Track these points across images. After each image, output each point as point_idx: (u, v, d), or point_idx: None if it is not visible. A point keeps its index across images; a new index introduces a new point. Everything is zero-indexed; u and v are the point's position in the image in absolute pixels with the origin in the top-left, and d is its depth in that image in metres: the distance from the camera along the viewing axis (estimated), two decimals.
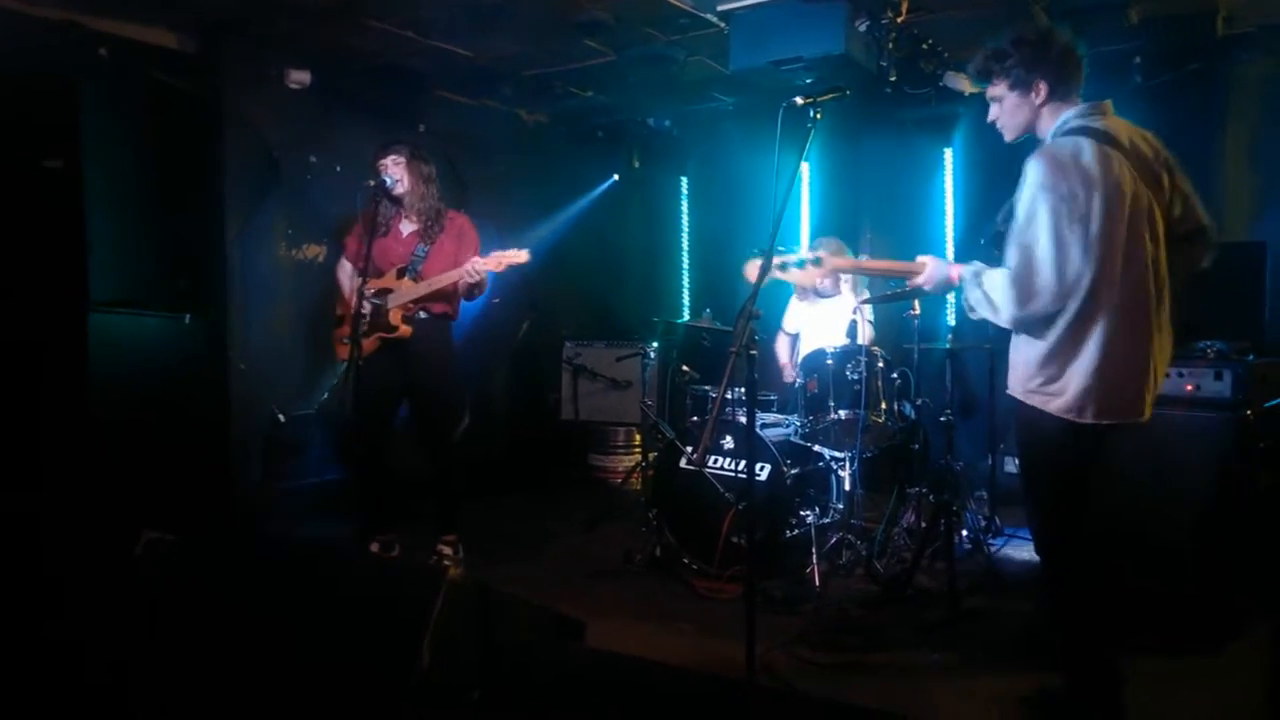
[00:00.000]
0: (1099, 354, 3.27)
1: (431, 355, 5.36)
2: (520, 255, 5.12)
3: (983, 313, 3.44)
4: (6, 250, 5.08)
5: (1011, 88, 3.51)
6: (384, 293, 5.23)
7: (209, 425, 5.97)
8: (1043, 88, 3.45)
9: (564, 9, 5.72)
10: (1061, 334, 3.32)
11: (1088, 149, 3.28)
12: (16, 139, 5.21)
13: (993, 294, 3.37)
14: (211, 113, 6.07)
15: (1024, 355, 3.45)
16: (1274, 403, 4.51)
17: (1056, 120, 3.48)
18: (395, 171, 5.22)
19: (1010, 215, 3.45)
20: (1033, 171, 3.32)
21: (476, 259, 5.10)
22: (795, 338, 6.39)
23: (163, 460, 5.44)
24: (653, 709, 2.47)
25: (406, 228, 5.37)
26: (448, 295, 5.32)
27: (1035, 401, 3.39)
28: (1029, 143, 3.65)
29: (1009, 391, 3.53)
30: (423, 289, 5.18)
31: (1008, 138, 3.68)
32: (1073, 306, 3.27)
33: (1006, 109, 3.57)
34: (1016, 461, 3.73)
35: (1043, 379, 3.38)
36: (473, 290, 5.27)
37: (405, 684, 2.47)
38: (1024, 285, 3.28)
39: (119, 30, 5.71)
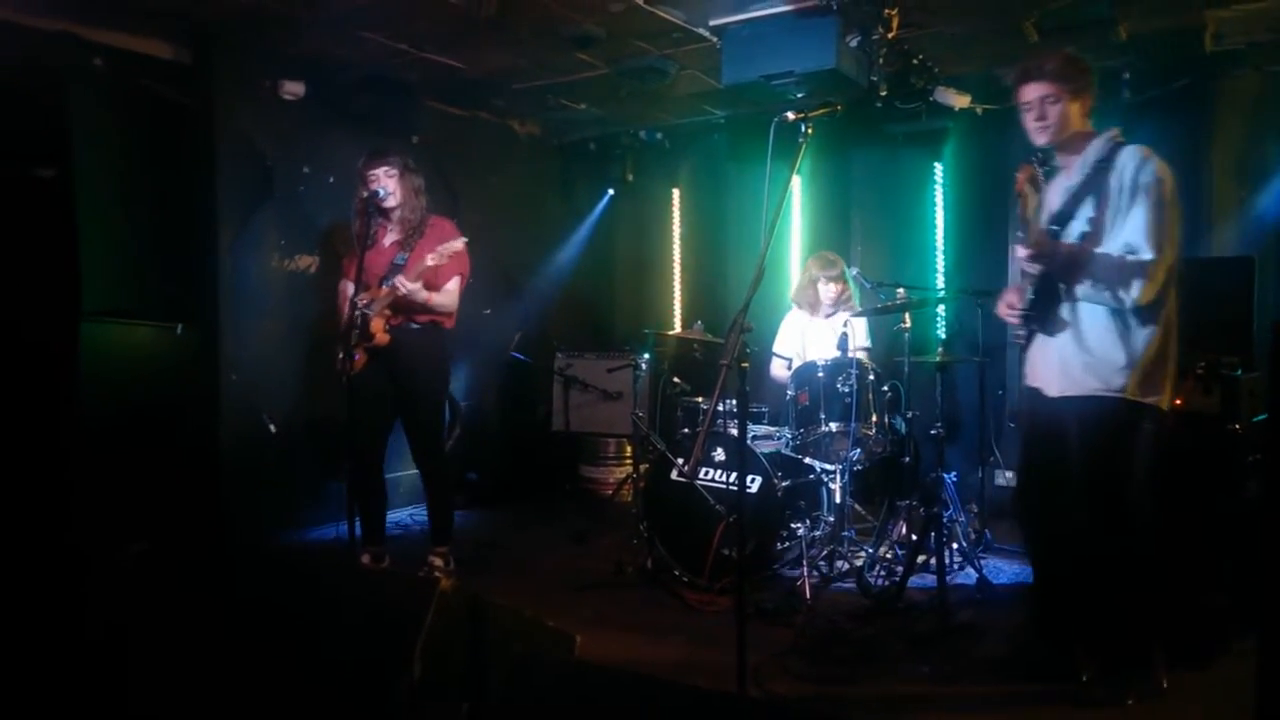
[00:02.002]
0: (1175, 345, 3.67)
1: (419, 366, 5.36)
2: (456, 243, 5.16)
3: (1099, 295, 3.63)
4: None
5: (1074, 95, 3.75)
6: (371, 304, 5.24)
7: (200, 435, 5.96)
8: (1087, 100, 3.78)
9: (556, 22, 5.73)
10: (1162, 327, 3.66)
11: None
12: (9, 148, 5.21)
13: (1123, 273, 3.57)
14: (204, 123, 6.07)
15: (1125, 352, 3.67)
16: (1262, 417, 4.53)
17: (1093, 133, 3.80)
18: (388, 184, 5.23)
19: (1094, 203, 3.69)
20: (1153, 165, 3.62)
21: (429, 259, 5.11)
22: (792, 361, 6.35)
23: (153, 470, 5.43)
24: None
25: (389, 238, 5.39)
26: (424, 304, 5.31)
27: (1138, 395, 3.64)
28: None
29: (1102, 392, 3.68)
30: (386, 295, 5.19)
31: (1045, 139, 3.84)
32: (1167, 299, 3.64)
33: (1060, 112, 3.76)
34: (1100, 461, 3.76)
35: (1153, 370, 3.66)
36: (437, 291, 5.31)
37: (397, 696, 2.48)
38: (1151, 269, 3.53)
39: (113, 40, 5.70)
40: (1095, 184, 3.68)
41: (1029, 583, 4.35)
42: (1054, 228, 3.74)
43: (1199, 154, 6.24)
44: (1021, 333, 4.01)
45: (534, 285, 8.71)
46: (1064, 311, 3.79)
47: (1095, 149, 3.75)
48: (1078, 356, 3.74)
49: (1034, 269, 3.72)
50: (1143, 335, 3.66)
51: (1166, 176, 3.60)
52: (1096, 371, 3.70)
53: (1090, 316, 3.72)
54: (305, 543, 6.11)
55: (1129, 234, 3.56)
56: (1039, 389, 3.93)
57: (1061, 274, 3.71)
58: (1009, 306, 3.99)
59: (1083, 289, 3.66)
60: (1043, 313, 3.82)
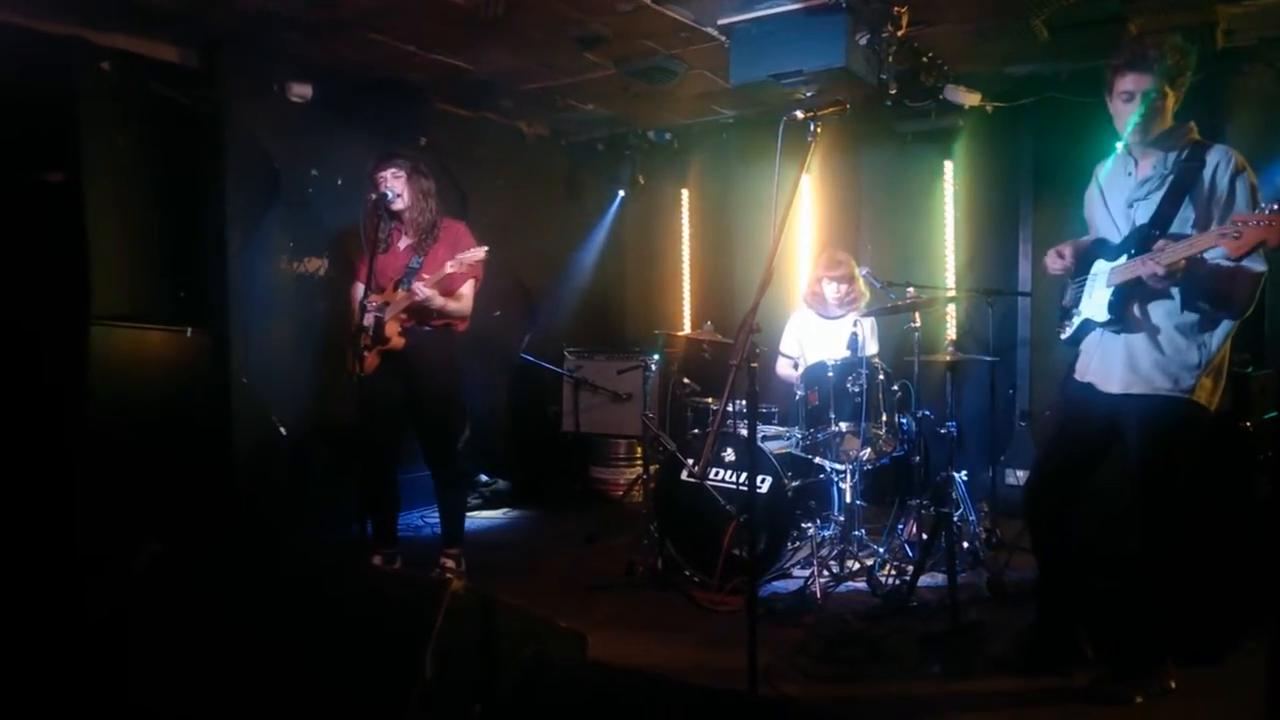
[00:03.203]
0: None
1: (430, 368, 5.37)
2: (478, 252, 5.18)
3: (1212, 307, 3.61)
4: (9, 264, 5.09)
5: (1176, 90, 3.67)
6: (384, 306, 5.25)
7: (211, 438, 5.96)
8: (1181, 97, 3.69)
9: (564, 22, 5.73)
10: (1232, 332, 3.66)
11: None
12: (18, 152, 5.22)
13: (1235, 285, 3.54)
14: (213, 126, 6.07)
15: (1199, 354, 3.65)
16: (1273, 414, 4.51)
17: (1181, 130, 3.73)
18: (396, 186, 5.25)
19: (1191, 204, 3.62)
20: (1249, 172, 3.60)
21: (449, 266, 5.13)
22: (798, 360, 6.33)
23: (165, 473, 5.43)
24: None
25: (404, 242, 5.40)
26: (440, 309, 5.33)
27: (1204, 398, 3.65)
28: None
29: (1170, 392, 3.66)
30: (403, 299, 5.20)
31: (1139, 137, 3.72)
32: None
33: (1161, 107, 3.66)
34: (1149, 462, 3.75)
35: (1216, 373, 3.67)
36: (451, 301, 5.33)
37: (409, 696, 2.47)
38: (1261, 281, 3.51)
39: (121, 44, 5.71)
40: (1186, 183, 3.59)
41: (1036, 578, 4.32)
42: (1154, 231, 3.63)
43: None
44: (1070, 325, 3.98)
45: (543, 286, 8.71)
46: (1139, 310, 3.72)
47: (1179, 145, 3.67)
48: (1149, 355, 3.69)
49: (1162, 285, 3.56)
50: (1217, 338, 3.64)
51: (1258, 185, 3.55)
52: (1168, 371, 3.65)
53: (1167, 316, 3.67)
54: (317, 545, 6.11)
55: None
56: (1092, 384, 3.88)
57: (1177, 285, 3.60)
58: (1058, 261, 4.00)
59: (1197, 302, 3.58)
60: (1123, 312, 3.74)
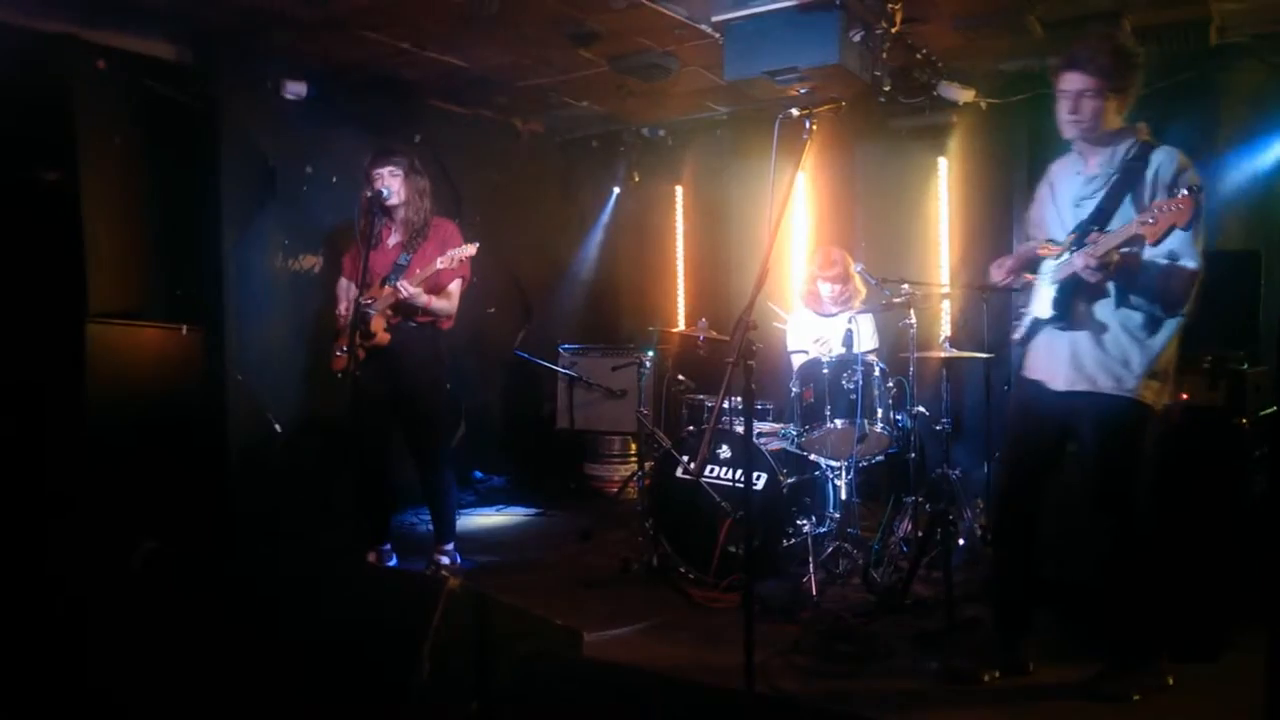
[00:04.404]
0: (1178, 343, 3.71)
1: (415, 364, 5.37)
2: (469, 249, 5.19)
3: (1147, 303, 3.62)
4: (4, 262, 5.08)
5: (1116, 92, 3.66)
6: (373, 303, 5.25)
7: (206, 435, 5.96)
8: (1129, 98, 3.68)
9: (558, 19, 5.73)
10: (1178, 333, 3.67)
11: None
12: (14, 150, 5.21)
13: (1171, 282, 3.56)
14: (208, 123, 6.08)
15: (1141, 354, 3.67)
16: (1268, 411, 4.52)
17: (1119, 126, 3.72)
18: (392, 184, 5.25)
19: (1132, 203, 3.64)
20: (1192, 172, 3.59)
21: (439, 263, 5.13)
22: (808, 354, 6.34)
23: (160, 471, 5.43)
24: (651, 718, 2.47)
25: (393, 239, 5.40)
26: (425, 307, 5.32)
27: (1149, 398, 3.66)
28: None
29: (1113, 391, 3.68)
30: (389, 295, 5.20)
31: (1073, 134, 3.78)
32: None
33: (1097, 109, 3.67)
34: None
35: (1162, 374, 3.68)
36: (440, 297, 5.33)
37: (405, 694, 2.47)
38: (1197, 280, 3.53)
39: (115, 42, 5.70)
40: (1129, 182, 3.62)
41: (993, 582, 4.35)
42: (1094, 225, 3.67)
43: (1204, 147, 6.21)
44: (1020, 324, 4.01)
45: (538, 283, 8.71)
46: (1084, 308, 3.75)
47: (1125, 145, 3.70)
48: (1092, 353, 3.72)
49: (1096, 278, 3.60)
50: (1160, 340, 3.66)
51: (1201, 185, 3.51)
52: (1110, 370, 3.68)
53: (1111, 315, 3.70)
54: (312, 542, 6.10)
55: (1173, 241, 3.47)
56: (1041, 382, 3.92)
57: (1113, 281, 3.64)
58: (1001, 271, 4.03)
59: (1133, 297, 3.62)
60: (1067, 309, 3.77)
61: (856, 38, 5.45)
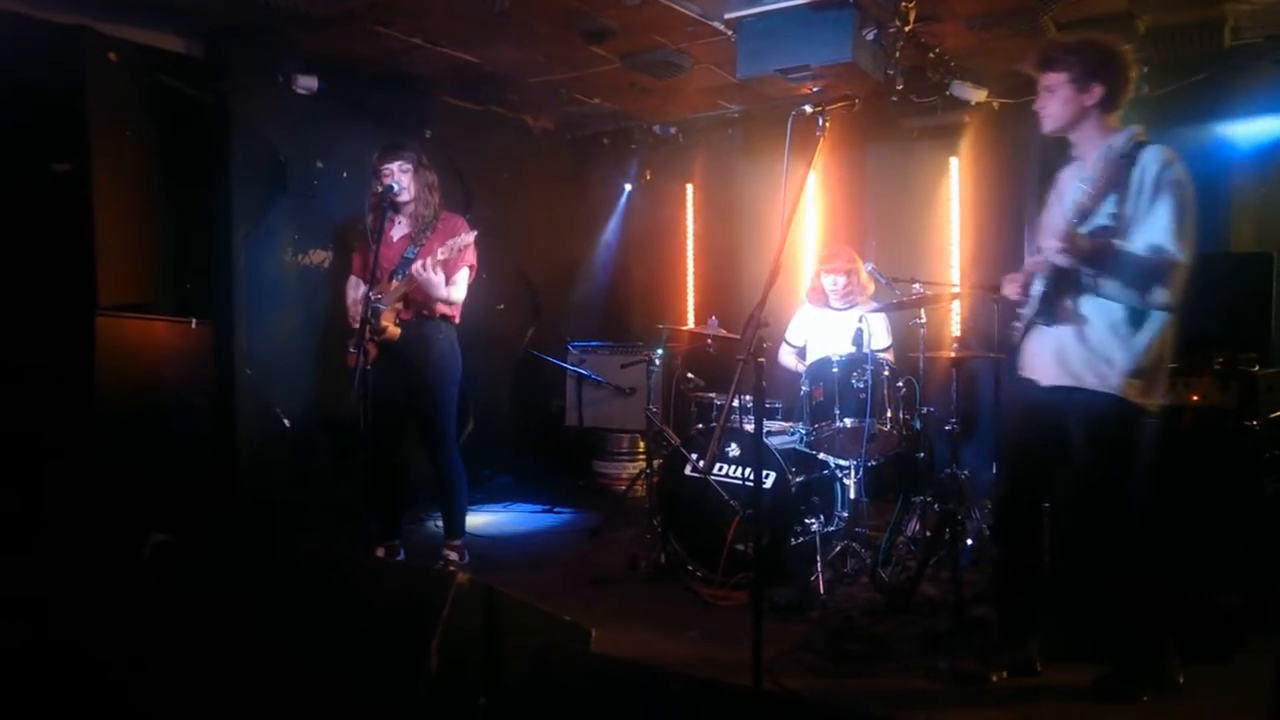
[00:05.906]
0: (1171, 349, 3.67)
1: (424, 359, 5.36)
2: (466, 237, 5.16)
3: (1124, 293, 3.61)
4: (15, 254, 5.09)
5: (1070, 81, 3.71)
6: (382, 297, 5.24)
7: (215, 430, 5.97)
8: (1097, 92, 3.69)
9: (571, 16, 5.73)
10: (1165, 331, 3.63)
11: None
12: (25, 143, 5.22)
13: (1150, 273, 3.55)
14: (219, 117, 6.08)
15: (1125, 352, 3.64)
16: None
17: (1115, 128, 3.75)
18: (402, 179, 5.24)
19: (1116, 199, 3.63)
20: (1178, 168, 3.58)
21: (440, 254, 5.10)
22: (802, 349, 6.34)
23: (169, 465, 5.44)
24: (659, 715, 2.47)
25: (399, 232, 5.40)
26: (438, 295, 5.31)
27: (1133, 395, 3.62)
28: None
29: (1097, 388, 3.66)
30: (398, 289, 5.20)
31: (1047, 127, 3.85)
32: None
33: (1058, 99, 3.75)
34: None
35: (1148, 372, 3.64)
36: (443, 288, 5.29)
37: (414, 689, 2.47)
38: (1177, 271, 3.51)
39: (127, 34, 5.71)
40: (1116, 179, 3.63)
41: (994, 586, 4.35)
42: (1075, 220, 3.69)
43: (1218, 149, 6.20)
44: (1019, 324, 4.01)
45: (547, 280, 8.71)
46: (1069, 303, 3.75)
47: (1117, 144, 3.71)
48: (1076, 349, 3.72)
49: (1063, 261, 3.64)
50: (1145, 337, 3.63)
51: (1189, 182, 3.56)
52: (1093, 367, 3.67)
53: (1096, 311, 3.69)
54: (321, 536, 6.10)
55: (1155, 233, 3.50)
56: (1032, 379, 3.93)
57: (1087, 268, 3.66)
58: (1013, 285, 4.00)
59: (1109, 286, 3.62)
60: (1052, 304, 3.79)
61: (869, 36, 5.44)
